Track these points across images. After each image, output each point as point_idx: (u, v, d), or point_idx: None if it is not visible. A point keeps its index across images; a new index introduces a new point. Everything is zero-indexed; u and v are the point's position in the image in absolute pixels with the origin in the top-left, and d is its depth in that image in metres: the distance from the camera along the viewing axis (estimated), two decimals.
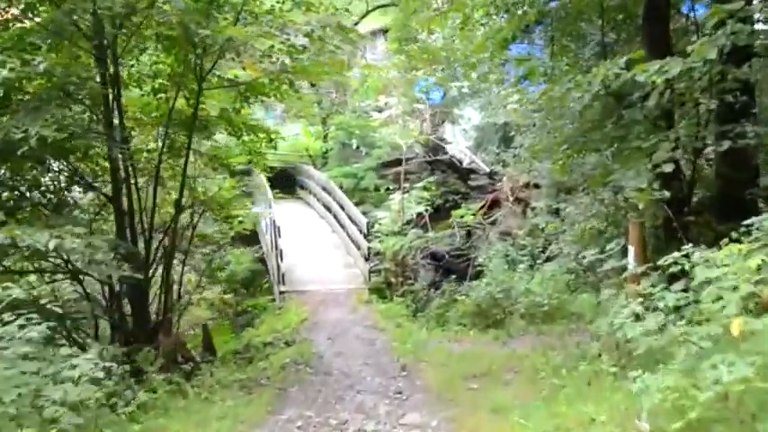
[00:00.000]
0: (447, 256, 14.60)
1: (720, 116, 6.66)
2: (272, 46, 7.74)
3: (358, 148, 22.06)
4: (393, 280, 12.93)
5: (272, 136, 9.01)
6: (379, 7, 22.38)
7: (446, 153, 24.10)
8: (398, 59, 22.69)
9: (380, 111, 27.59)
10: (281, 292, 11.98)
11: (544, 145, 11.36)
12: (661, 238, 6.83)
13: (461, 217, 13.69)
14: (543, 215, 16.08)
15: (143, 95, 8.06)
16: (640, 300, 4.99)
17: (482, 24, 9.97)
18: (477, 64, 21.55)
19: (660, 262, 4.74)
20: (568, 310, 10.11)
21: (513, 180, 19.75)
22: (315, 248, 14.38)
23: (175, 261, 9.23)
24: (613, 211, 11.12)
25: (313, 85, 22.17)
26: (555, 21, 9.35)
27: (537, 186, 18.44)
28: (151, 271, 8.05)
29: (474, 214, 14.04)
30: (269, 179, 25.04)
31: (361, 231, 13.04)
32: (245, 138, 8.67)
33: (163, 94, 8.19)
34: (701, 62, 5.27)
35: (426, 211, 13.91)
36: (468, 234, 21.17)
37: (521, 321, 9.83)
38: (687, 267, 4.47)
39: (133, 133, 8.25)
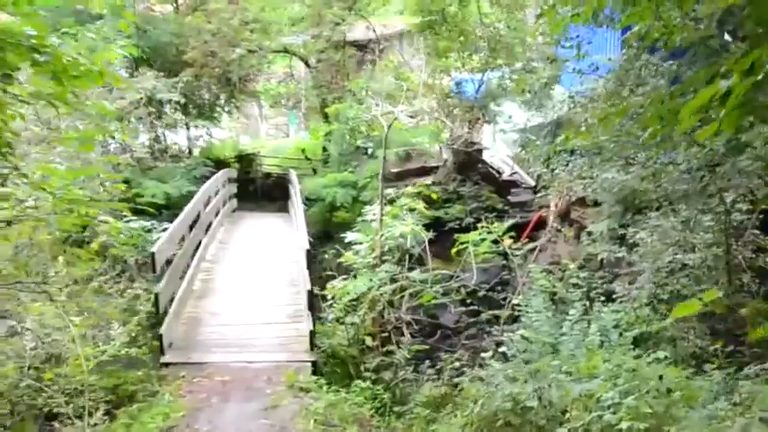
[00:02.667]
0: (451, 311, 9.65)
1: None
2: None
3: (371, 153, 17.26)
4: (369, 342, 8.11)
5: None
6: None
7: (481, 160, 19.14)
8: (424, 42, 17.95)
9: (414, 117, 22.84)
10: (161, 365, 7.15)
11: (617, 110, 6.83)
12: None
13: (475, 246, 8.38)
14: (603, 242, 11.44)
15: None
16: None
17: None
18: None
19: None
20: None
21: (564, 195, 15.03)
22: (259, 287, 9.56)
23: None
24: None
25: (307, 64, 17.50)
26: None
27: (596, 204, 13.92)
28: None
29: (498, 239, 8.67)
30: (261, 188, 20.67)
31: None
32: None
33: None
34: None
35: (424, 233, 8.89)
36: (505, 265, 16.78)
37: None
38: None
39: None
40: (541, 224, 16.84)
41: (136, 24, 16.03)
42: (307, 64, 17.70)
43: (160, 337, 7.31)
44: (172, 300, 7.87)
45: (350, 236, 8.81)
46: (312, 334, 7.24)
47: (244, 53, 15.38)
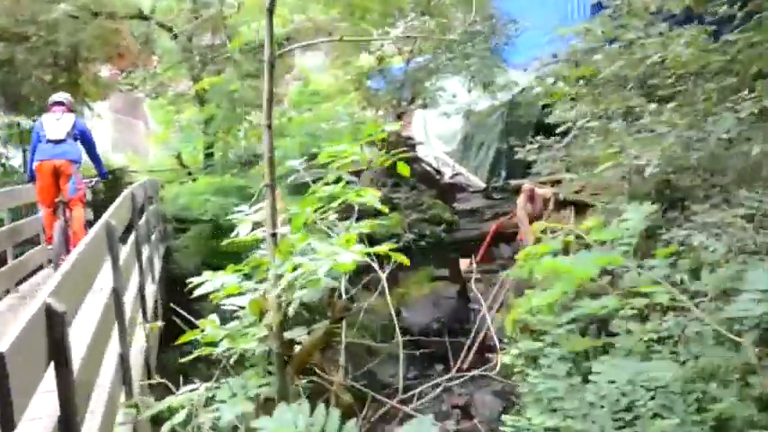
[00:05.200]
0: None
1: None
2: None
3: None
4: None
5: None
6: None
7: (416, 158, 14.84)
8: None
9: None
10: None
11: None
12: None
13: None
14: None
15: None
16: None
17: None
18: None
19: None
20: None
21: (542, 191, 11.03)
22: None
23: None
24: None
25: (174, 35, 12.40)
26: None
27: (579, 206, 10.33)
28: None
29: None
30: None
31: None
32: None
33: None
34: None
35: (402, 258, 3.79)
36: (462, 289, 13.01)
37: None
38: None
39: None
40: (500, 236, 12.82)
41: None
42: (173, 34, 12.62)
43: None
44: None
45: (206, 284, 3.78)
46: None
47: (73, 11, 10.34)
